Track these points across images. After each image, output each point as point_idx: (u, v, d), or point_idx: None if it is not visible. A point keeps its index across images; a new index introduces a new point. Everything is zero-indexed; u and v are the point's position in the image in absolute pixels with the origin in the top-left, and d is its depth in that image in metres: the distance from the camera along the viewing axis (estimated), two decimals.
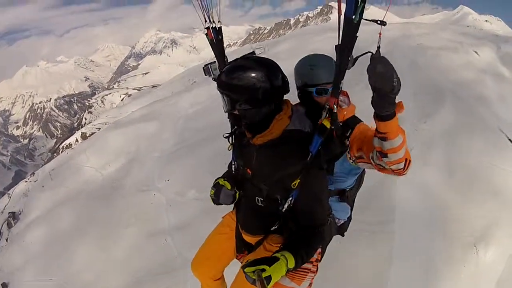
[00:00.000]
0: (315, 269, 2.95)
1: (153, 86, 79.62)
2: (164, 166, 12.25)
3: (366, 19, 2.09)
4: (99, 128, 41.92)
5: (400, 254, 6.86)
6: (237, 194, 3.04)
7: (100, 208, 11.83)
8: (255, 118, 2.54)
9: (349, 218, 3.59)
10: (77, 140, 75.95)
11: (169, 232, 9.18)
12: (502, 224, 7.22)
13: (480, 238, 6.93)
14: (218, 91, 2.56)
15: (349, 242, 7.10)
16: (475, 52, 15.01)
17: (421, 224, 7.39)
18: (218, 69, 3.32)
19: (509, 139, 9.46)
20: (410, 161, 2.52)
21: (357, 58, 2.31)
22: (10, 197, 32.52)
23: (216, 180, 3.11)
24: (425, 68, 13.56)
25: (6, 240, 25.57)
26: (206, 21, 3.24)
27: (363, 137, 2.76)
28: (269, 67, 2.54)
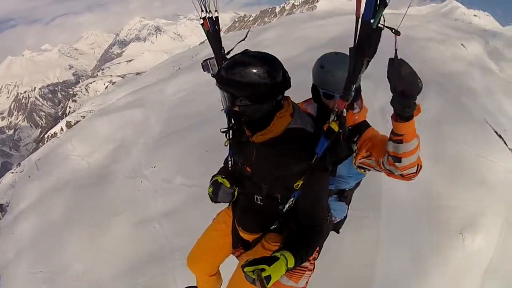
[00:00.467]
0: (312, 267, 2.96)
1: (137, 74, 78.94)
2: (150, 153, 12.26)
3: (382, 25, 2.06)
4: (84, 116, 41.55)
5: (387, 240, 7.00)
6: (235, 192, 2.98)
7: (88, 197, 11.81)
8: (255, 114, 2.50)
9: (345, 216, 3.62)
10: (62, 129, 75.27)
11: (157, 219, 9.21)
12: (488, 213, 7.40)
13: (466, 226, 7.09)
14: (218, 87, 2.50)
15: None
16: (462, 45, 15.19)
17: (407, 211, 7.54)
18: (216, 64, 3.23)
19: (495, 131, 9.68)
20: (421, 166, 2.53)
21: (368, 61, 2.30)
22: None
23: (213, 177, 3.05)
24: (412, 59, 13.14)
25: None
26: (202, 10, 3.13)
27: (373, 142, 2.76)
28: (270, 63, 2.48)
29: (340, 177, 3.17)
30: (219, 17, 3.24)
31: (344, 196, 3.39)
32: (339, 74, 2.87)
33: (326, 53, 3.12)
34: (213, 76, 2.77)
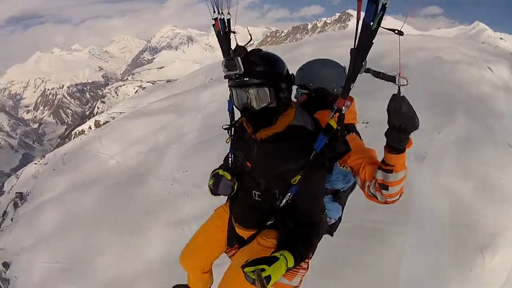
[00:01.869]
0: (306, 266, 2.84)
1: (168, 81, 79.44)
2: (183, 158, 12.39)
3: (384, 28, 2.11)
4: (114, 117, 42.01)
5: (412, 254, 7.00)
6: (235, 186, 2.97)
7: (117, 195, 11.95)
8: (286, 104, 2.60)
9: (340, 219, 3.62)
10: (90, 128, 76.07)
11: (187, 222, 9.30)
12: (508, 233, 7.42)
13: (487, 244, 7.12)
14: (256, 87, 2.47)
15: (362, 239, 7.26)
16: (489, 68, 15.09)
17: (433, 225, 7.60)
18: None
19: None
20: (402, 192, 2.51)
21: (379, 74, 2.37)
22: (18, 178, 32.84)
23: (214, 170, 3.04)
24: (441, 80, 13.73)
25: (11, 220, 25.81)
26: (214, 11, 3.14)
27: (363, 163, 2.66)
28: (280, 58, 2.60)
29: (333, 175, 3.21)
30: (240, 29, 3.29)
31: (338, 196, 3.41)
32: (316, 68, 3.18)
33: None
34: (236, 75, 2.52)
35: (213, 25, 3.21)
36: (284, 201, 2.65)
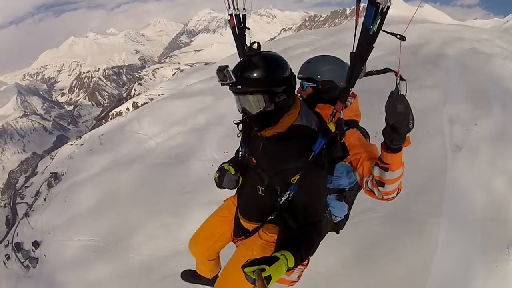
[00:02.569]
0: (306, 262, 2.95)
1: (206, 63, 79.70)
2: (223, 139, 12.51)
3: (386, 31, 2.07)
4: (152, 99, 42.52)
5: (444, 245, 7.23)
6: (240, 180, 2.98)
7: (155, 175, 12.15)
8: (285, 107, 2.58)
9: (346, 217, 3.60)
10: (127, 109, 77.04)
11: None
12: None
13: None
14: (250, 95, 2.53)
15: (397, 227, 7.50)
16: None
17: (465, 219, 7.70)
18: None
19: None
20: (400, 189, 2.51)
21: (372, 72, 2.33)
22: (53, 159, 33.87)
23: (221, 164, 3.04)
24: (477, 72, 13.73)
25: (44, 200, 26.65)
26: (230, 7, 3.20)
27: (362, 157, 2.69)
28: (280, 58, 2.58)
29: (334, 174, 3.19)
30: (278, 13, 3.29)
31: (343, 196, 3.38)
32: (325, 61, 3.15)
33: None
34: (229, 84, 2.56)
35: (228, 20, 3.28)
36: (284, 198, 2.71)
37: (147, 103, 38.40)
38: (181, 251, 8.81)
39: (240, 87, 2.45)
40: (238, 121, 2.95)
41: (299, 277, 2.97)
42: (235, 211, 3.32)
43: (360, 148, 2.67)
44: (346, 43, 19.13)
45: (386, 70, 2.27)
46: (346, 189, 3.26)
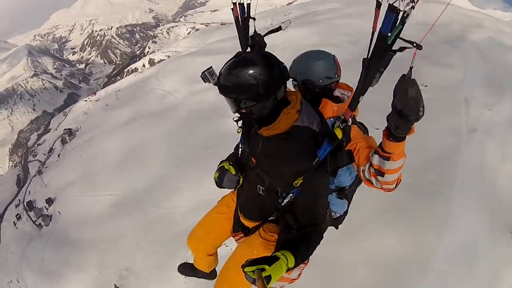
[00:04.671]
0: (307, 261, 3.00)
1: (222, 24, 78.96)
2: None
3: (402, 38, 2.04)
4: (169, 56, 42.51)
5: (455, 219, 7.88)
6: (240, 180, 3.11)
7: (177, 129, 12.34)
8: (262, 112, 2.62)
9: (345, 212, 3.67)
10: (144, 65, 76.78)
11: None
12: None
13: None
14: (230, 99, 2.61)
15: (411, 196, 8.03)
16: None
17: (474, 198, 8.31)
18: (215, 72, 3.22)
19: None
20: (400, 180, 2.55)
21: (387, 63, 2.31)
22: (66, 115, 34.17)
23: (220, 163, 3.18)
24: (493, 61, 14.23)
25: (58, 156, 27.01)
26: None
27: (357, 147, 2.73)
28: (263, 60, 2.57)
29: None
30: (250, 4, 3.28)
31: (344, 194, 3.45)
32: (302, 61, 3.28)
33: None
34: (215, 85, 2.84)
35: (232, 9, 3.32)
36: (286, 200, 2.81)
37: (164, 60, 38.31)
38: (202, 205, 9.01)
39: (222, 90, 2.58)
40: (237, 118, 3.01)
41: (299, 275, 3.09)
42: (235, 208, 3.46)
43: (356, 139, 2.71)
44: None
45: (403, 48, 2.12)
46: (346, 187, 3.40)
